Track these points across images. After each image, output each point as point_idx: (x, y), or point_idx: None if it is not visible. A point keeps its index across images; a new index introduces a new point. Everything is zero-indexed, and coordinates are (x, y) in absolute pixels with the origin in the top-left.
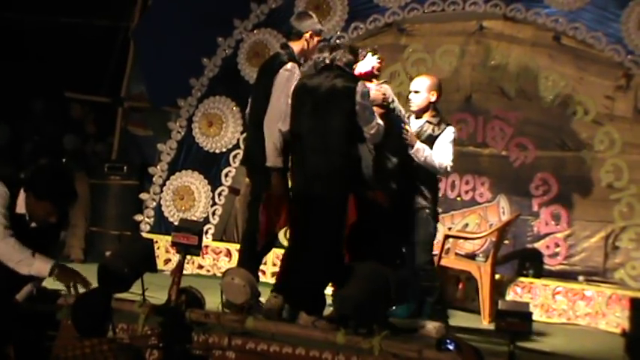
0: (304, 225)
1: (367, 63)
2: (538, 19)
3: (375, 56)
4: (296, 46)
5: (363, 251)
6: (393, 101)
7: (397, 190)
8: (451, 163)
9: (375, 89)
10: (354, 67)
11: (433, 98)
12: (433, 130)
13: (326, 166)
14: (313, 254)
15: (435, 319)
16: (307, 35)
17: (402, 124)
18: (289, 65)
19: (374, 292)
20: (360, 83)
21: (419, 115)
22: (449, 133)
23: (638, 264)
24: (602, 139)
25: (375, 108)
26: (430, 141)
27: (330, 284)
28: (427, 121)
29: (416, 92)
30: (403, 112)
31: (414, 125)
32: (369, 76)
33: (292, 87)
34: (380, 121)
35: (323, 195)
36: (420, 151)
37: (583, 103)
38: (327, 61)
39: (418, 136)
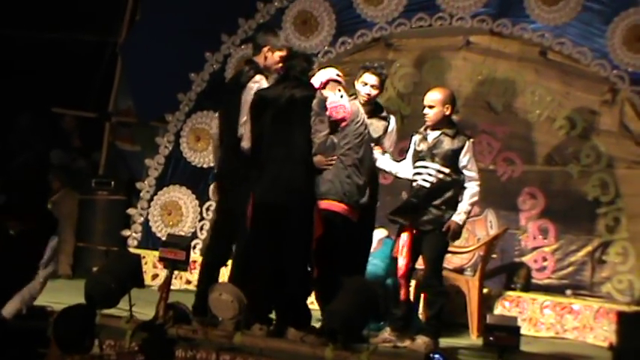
0: (271, 237)
1: (324, 74)
2: (524, 35)
3: (334, 69)
4: (259, 61)
5: (330, 265)
6: (358, 122)
7: (364, 205)
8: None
9: (350, 104)
10: (309, 75)
11: (447, 112)
12: (451, 143)
13: (290, 177)
14: (286, 267)
15: (426, 334)
16: (265, 49)
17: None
18: (257, 77)
19: (362, 307)
20: (318, 92)
21: (433, 127)
22: (470, 148)
23: (624, 278)
24: (589, 153)
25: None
26: (447, 152)
27: (312, 296)
28: (443, 132)
29: (430, 107)
30: (368, 132)
31: (430, 137)
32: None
33: None
34: (331, 135)
35: (290, 206)
36: None
37: (569, 117)
38: (283, 72)
39: (434, 147)
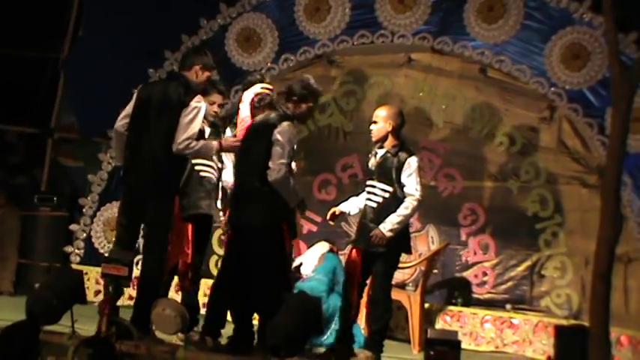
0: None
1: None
2: (465, 52)
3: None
4: (188, 76)
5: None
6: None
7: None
8: (418, 194)
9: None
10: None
11: (390, 128)
12: (394, 161)
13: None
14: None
15: (369, 348)
16: (197, 67)
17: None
18: (197, 97)
19: (304, 322)
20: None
21: (381, 145)
22: (411, 164)
23: (562, 292)
24: (528, 169)
25: None
26: (388, 171)
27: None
28: (387, 151)
29: (374, 123)
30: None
31: (378, 155)
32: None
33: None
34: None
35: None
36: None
37: (509, 134)
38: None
39: (380, 165)
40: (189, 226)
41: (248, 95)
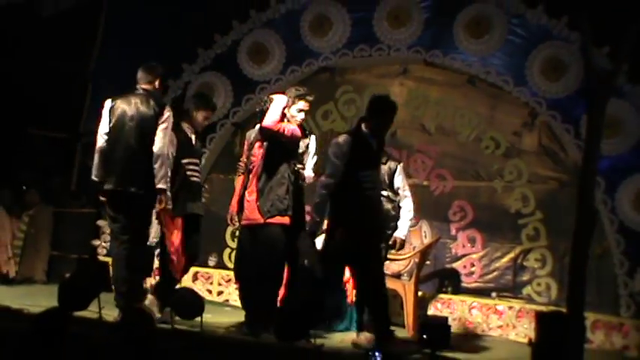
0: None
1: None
2: (454, 64)
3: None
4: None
5: None
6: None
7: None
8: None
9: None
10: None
11: None
12: (386, 168)
13: None
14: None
15: (370, 331)
16: (157, 82)
17: None
18: (168, 107)
19: (309, 309)
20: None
21: None
22: (400, 171)
23: (542, 281)
24: (512, 170)
25: None
26: (383, 177)
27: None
28: None
29: None
30: None
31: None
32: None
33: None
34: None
35: None
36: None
37: (494, 138)
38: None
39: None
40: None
41: (280, 101)
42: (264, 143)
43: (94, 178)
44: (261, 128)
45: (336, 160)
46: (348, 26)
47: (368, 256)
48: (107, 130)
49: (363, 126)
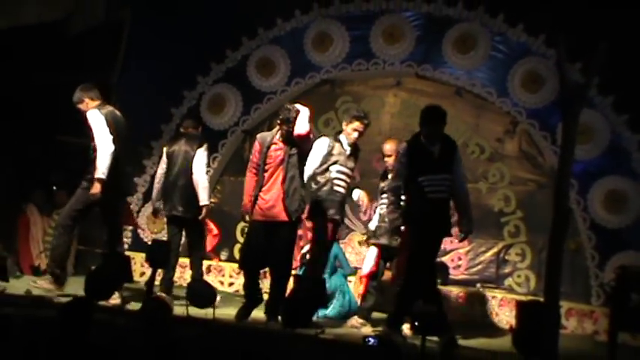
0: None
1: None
2: (443, 77)
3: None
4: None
5: None
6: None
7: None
8: None
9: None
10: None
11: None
12: None
13: None
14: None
15: (361, 316)
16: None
17: None
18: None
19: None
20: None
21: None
22: None
23: (522, 273)
24: (495, 173)
25: None
26: None
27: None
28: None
29: (389, 156)
30: None
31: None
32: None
33: None
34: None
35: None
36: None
37: (479, 144)
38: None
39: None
40: None
41: (306, 112)
42: (292, 148)
43: None
44: (298, 136)
45: (399, 167)
46: (347, 43)
47: (434, 255)
48: None
49: (421, 135)
